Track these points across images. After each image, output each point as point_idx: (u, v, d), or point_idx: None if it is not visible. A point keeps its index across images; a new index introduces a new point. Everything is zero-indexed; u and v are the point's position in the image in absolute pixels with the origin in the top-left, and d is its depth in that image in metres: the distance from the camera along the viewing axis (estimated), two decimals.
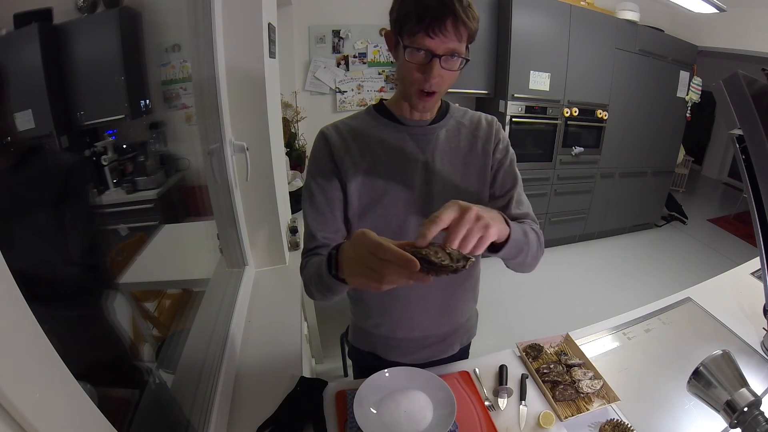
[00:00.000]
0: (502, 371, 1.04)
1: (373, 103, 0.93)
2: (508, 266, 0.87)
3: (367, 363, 1.09)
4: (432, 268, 0.54)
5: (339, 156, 0.85)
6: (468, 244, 0.60)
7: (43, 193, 0.75)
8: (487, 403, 0.97)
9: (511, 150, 0.95)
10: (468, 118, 0.93)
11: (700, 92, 3.91)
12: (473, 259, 0.59)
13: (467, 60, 0.76)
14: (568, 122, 3.42)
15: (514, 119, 3.23)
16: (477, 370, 1.06)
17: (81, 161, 0.99)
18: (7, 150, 0.72)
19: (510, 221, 0.73)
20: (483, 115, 0.95)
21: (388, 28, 0.80)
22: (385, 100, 0.91)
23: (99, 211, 1.03)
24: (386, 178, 0.86)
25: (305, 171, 0.90)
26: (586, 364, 1.04)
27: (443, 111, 0.91)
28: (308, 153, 0.90)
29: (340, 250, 0.66)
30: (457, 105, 0.96)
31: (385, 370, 0.95)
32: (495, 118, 0.95)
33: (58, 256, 0.79)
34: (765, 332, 1.15)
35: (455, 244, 0.59)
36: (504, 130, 1.08)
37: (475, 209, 0.61)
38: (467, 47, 0.76)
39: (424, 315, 0.99)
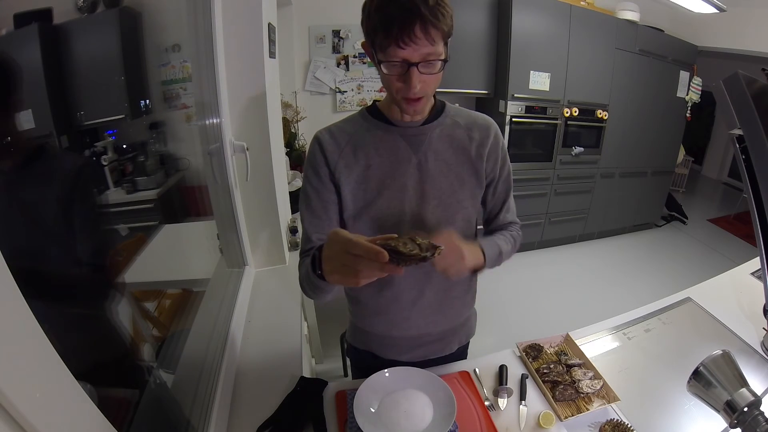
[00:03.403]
0: (502, 371, 1.04)
1: (367, 105, 0.93)
2: None
3: (364, 362, 1.09)
4: (401, 258, 0.58)
5: (333, 160, 0.86)
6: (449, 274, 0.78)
7: (52, 193, 0.75)
8: (487, 403, 0.97)
9: (508, 159, 0.98)
10: (464, 117, 0.92)
11: (700, 92, 3.91)
12: (442, 248, 0.63)
13: (446, 61, 0.75)
14: (568, 122, 3.42)
15: (514, 119, 3.23)
16: (477, 370, 1.06)
17: (90, 163, 0.99)
18: (16, 150, 0.72)
19: (486, 248, 0.87)
20: (481, 115, 0.94)
21: None
22: (378, 101, 0.91)
23: (106, 213, 1.03)
24: (380, 180, 0.86)
25: (303, 175, 0.91)
26: (586, 364, 1.04)
27: (438, 110, 0.90)
28: (303, 169, 0.91)
29: (321, 250, 0.68)
30: (457, 105, 0.95)
31: (385, 370, 0.95)
32: (494, 123, 0.94)
33: (66, 256, 0.79)
34: (765, 332, 1.15)
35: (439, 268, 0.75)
36: (504, 130, 1.11)
37: (464, 251, 0.79)
38: (446, 44, 0.74)
39: (420, 314, 0.99)
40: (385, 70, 0.74)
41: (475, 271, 0.92)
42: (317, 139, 0.88)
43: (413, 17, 0.67)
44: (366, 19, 0.73)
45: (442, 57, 0.73)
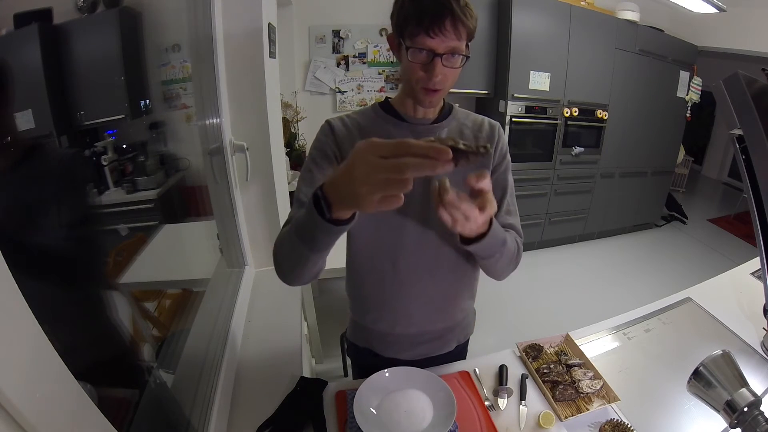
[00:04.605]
0: (502, 371, 1.04)
1: (374, 102, 0.94)
2: (479, 265, 0.94)
3: (364, 360, 1.10)
4: (459, 154, 0.50)
5: (344, 147, 0.87)
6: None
7: (45, 189, 0.75)
8: (487, 403, 0.97)
9: (509, 157, 0.96)
10: (471, 119, 0.95)
11: (700, 92, 3.91)
12: (490, 146, 0.56)
13: (468, 57, 0.78)
14: (568, 122, 3.42)
15: (514, 119, 3.23)
16: (477, 370, 1.06)
17: (78, 152, 0.99)
18: (9, 149, 0.72)
19: (494, 225, 0.76)
20: (486, 119, 0.96)
21: (389, 28, 0.83)
22: (391, 98, 0.93)
23: (96, 205, 1.03)
24: None
25: (306, 158, 0.91)
26: (586, 364, 1.04)
27: (446, 111, 0.93)
28: (308, 153, 0.91)
29: (333, 185, 0.56)
30: (457, 105, 0.97)
31: (385, 370, 0.95)
32: (499, 124, 0.96)
33: (55, 241, 0.78)
34: (765, 332, 1.15)
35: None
36: (504, 130, 1.10)
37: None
38: (467, 45, 0.78)
39: (421, 311, 0.99)
40: (410, 58, 0.77)
41: (470, 242, 0.76)
42: (329, 124, 0.89)
43: (445, 11, 0.72)
44: (398, 10, 0.77)
45: (464, 53, 0.77)
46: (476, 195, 0.66)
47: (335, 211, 0.57)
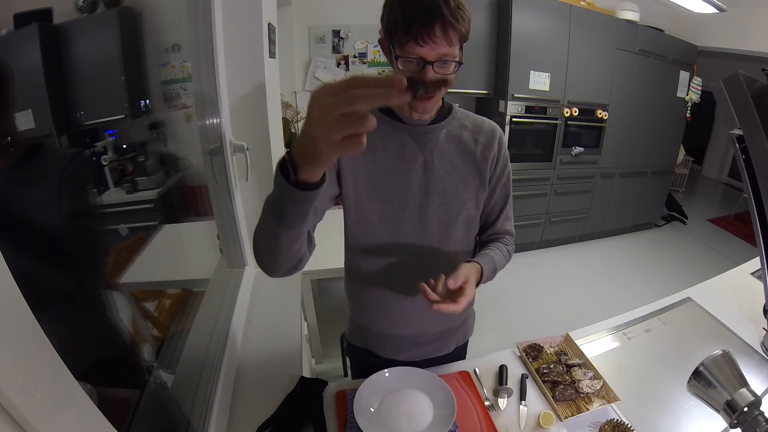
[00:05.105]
0: (502, 371, 1.04)
1: None
2: None
3: (362, 360, 1.10)
4: (418, 84, 0.53)
5: None
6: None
7: (46, 190, 0.76)
8: (487, 403, 0.97)
9: (509, 166, 0.98)
10: (471, 120, 0.94)
11: (700, 92, 3.91)
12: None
13: (461, 63, 0.76)
14: (568, 122, 3.42)
15: (514, 119, 3.23)
16: (477, 370, 1.06)
17: (79, 153, 0.99)
18: (10, 149, 0.72)
19: (484, 273, 0.88)
20: (487, 120, 0.96)
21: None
22: None
23: (94, 195, 1.03)
24: (385, 175, 0.87)
25: None
26: (586, 364, 1.04)
27: (445, 112, 0.92)
28: None
29: (297, 144, 0.54)
30: (458, 105, 0.96)
31: (385, 370, 0.95)
32: (500, 129, 0.96)
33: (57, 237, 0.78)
34: (765, 332, 1.15)
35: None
36: (504, 130, 1.10)
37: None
38: (461, 48, 0.76)
39: (420, 312, 0.99)
40: (400, 66, 0.75)
41: None
42: None
43: (434, 17, 0.69)
44: (387, 14, 0.75)
45: (457, 59, 0.75)
46: (455, 293, 0.77)
47: (301, 171, 0.54)
